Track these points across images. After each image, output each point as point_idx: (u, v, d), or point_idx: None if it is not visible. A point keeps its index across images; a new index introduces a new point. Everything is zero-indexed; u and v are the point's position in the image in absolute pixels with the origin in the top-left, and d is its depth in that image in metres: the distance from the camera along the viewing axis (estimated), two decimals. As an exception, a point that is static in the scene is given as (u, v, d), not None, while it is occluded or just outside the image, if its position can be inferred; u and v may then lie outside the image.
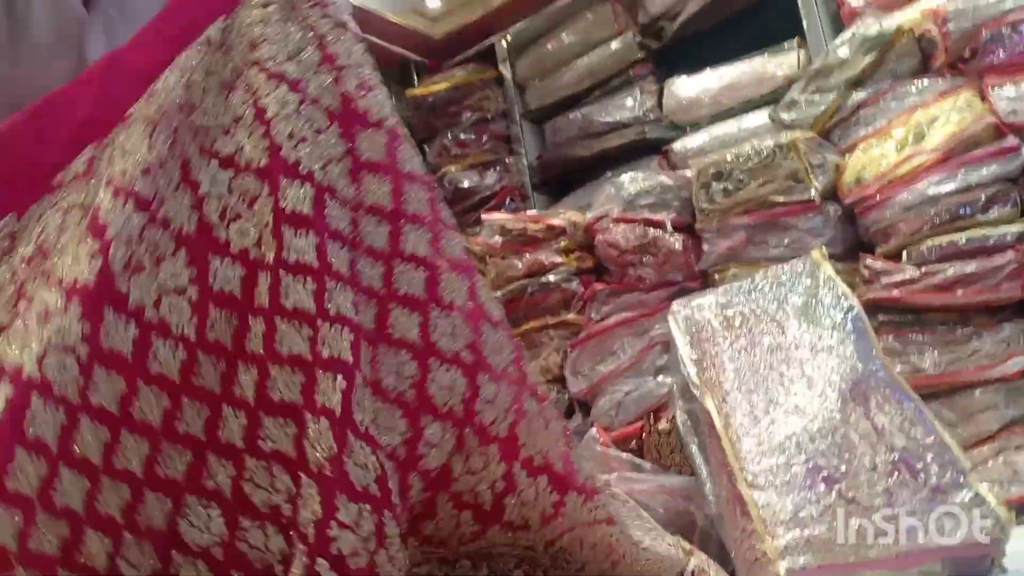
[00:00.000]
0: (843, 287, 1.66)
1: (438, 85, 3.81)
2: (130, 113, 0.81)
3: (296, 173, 0.81)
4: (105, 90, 0.83)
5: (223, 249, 0.79)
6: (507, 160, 3.70)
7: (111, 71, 0.84)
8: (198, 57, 0.85)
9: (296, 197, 0.81)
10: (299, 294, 0.78)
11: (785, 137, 2.27)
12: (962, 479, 1.34)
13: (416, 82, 3.96)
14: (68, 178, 0.80)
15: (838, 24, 2.90)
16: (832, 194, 2.24)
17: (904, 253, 2.01)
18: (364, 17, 3.53)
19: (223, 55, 0.86)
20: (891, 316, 2.00)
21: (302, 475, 0.72)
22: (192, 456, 0.74)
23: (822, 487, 1.33)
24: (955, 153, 2.00)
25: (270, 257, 0.79)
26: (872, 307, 1.94)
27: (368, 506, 0.71)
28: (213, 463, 0.74)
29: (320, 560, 0.68)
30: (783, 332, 1.64)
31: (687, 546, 1.07)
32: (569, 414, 2.56)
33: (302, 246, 0.79)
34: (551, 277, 2.61)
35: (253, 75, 0.84)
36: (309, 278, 0.78)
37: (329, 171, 0.83)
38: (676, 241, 2.40)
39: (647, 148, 3.31)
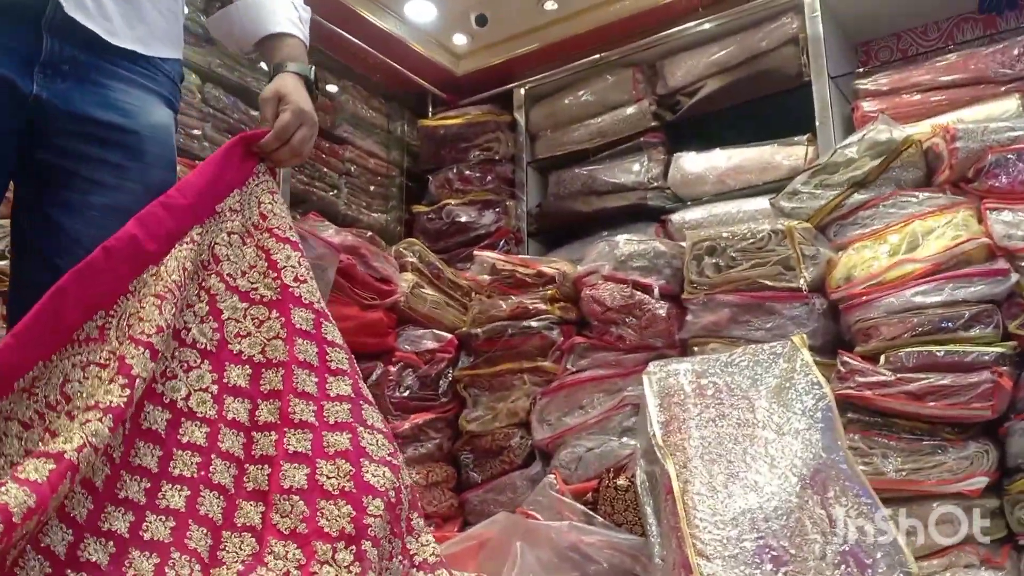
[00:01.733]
0: (818, 375, 1.67)
1: (451, 120, 3.84)
2: (133, 288, 1.15)
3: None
4: (117, 271, 1.15)
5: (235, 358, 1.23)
6: (507, 203, 3.72)
7: (129, 256, 1.16)
8: (188, 251, 1.21)
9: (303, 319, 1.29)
10: (306, 383, 1.23)
11: (782, 224, 2.29)
12: (908, 582, 1.34)
13: (430, 113, 4.00)
14: (82, 337, 1.10)
15: (849, 126, 2.97)
16: (820, 287, 2.26)
17: (882, 356, 2.02)
18: (390, 43, 3.58)
19: (206, 248, 1.26)
20: (860, 415, 2.00)
21: None
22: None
23: (769, 567, 1.32)
24: (945, 267, 2.03)
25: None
26: (843, 404, 1.94)
27: None
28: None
29: None
30: (753, 409, 1.64)
31: None
32: (529, 461, 2.54)
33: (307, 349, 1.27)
34: (533, 323, 2.61)
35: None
36: (313, 373, 1.24)
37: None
38: (661, 307, 2.41)
39: (645, 214, 3.35)
